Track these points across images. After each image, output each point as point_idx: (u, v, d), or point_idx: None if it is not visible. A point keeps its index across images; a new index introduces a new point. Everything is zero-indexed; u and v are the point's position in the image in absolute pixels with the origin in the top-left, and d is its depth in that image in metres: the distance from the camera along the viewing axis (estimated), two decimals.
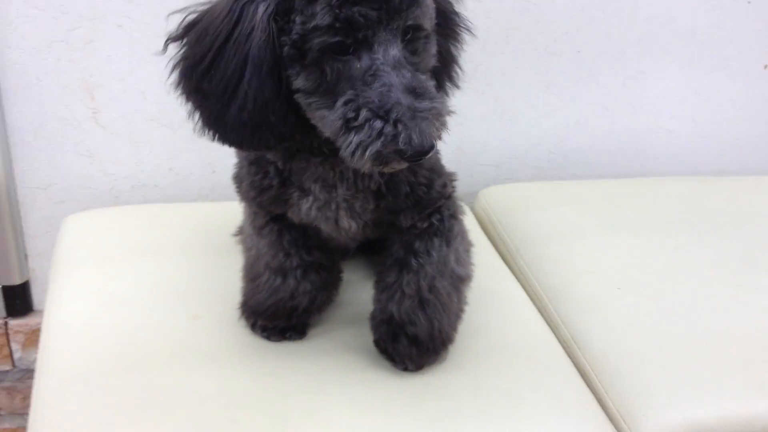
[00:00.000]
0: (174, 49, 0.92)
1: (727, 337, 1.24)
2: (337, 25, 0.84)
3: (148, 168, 1.61)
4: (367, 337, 1.16)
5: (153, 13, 1.47)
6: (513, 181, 1.83)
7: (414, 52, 0.90)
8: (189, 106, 0.94)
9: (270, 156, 1.05)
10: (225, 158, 1.62)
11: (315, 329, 1.21)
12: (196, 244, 1.41)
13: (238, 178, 1.14)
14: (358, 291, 1.28)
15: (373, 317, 1.16)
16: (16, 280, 1.62)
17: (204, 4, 0.93)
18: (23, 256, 1.62)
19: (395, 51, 0.86)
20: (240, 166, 1.13)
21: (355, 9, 0.83)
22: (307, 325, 1.20)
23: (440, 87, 1.01)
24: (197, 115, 0.93)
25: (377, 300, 1.15)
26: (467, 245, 1.18)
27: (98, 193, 1.61)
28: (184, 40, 0.93)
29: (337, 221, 1.08)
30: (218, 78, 0.89)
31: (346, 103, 0.85)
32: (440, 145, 1.73)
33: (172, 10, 1.45)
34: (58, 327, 1.19)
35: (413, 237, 1.11)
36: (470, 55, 1.65)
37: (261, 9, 0.87)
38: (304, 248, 1.16)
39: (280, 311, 1.17)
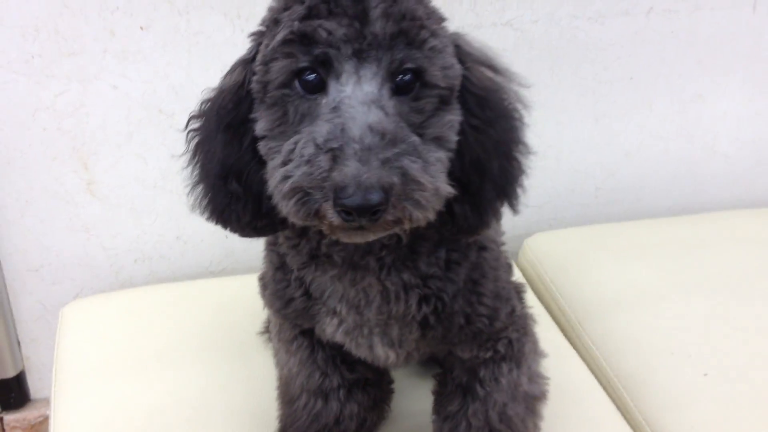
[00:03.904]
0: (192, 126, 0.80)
1: None
2: (290, 37, 0.67)
3: (153, 239, 1.42)
4: None
5: (152, 70, 1.26)
6: (557, 221, 1.65)
7: (419, 111, 0.70)
8: (191, 184, 0.80)
9: (288, 261, 0.87)
10: None
11: None
12: (216, 343, 1.23)
13: (263, 281, 0.96)
14: (411, 400, 1.11)
15: None
16: (10, 373, 1.43)
17: None
18: (16, 346, 1.43)
19: (371, 88, 0.67)
20: (266, 268, 0.94)
21: (317, 22, 0.67)
22: None
23: (475, 206, 0.77)
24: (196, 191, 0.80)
25: (439, 429, 0.99)
26: (540, 357, 1.00)
27: (97, 271, 1.42)
28: (201, 117, 0.79)
29: (371, 348, 0.90)
30: (203, 146, 0.78)
31: (294, 141, 0.67)
32: None
33: (173, 64, 1.27)
34: None
35: (477, 363, 0.93)
36: None
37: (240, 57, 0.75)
38: (345, 365, 0.99)
39: None
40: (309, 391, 0.99)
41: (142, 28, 1.23)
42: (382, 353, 0.89)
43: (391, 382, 1.07)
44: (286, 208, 0.66)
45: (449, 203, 0.74)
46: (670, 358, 1.22)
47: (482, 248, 0.86)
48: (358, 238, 0.70)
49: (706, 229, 1.57)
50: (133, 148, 1.32)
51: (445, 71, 0.71)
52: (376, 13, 0.67)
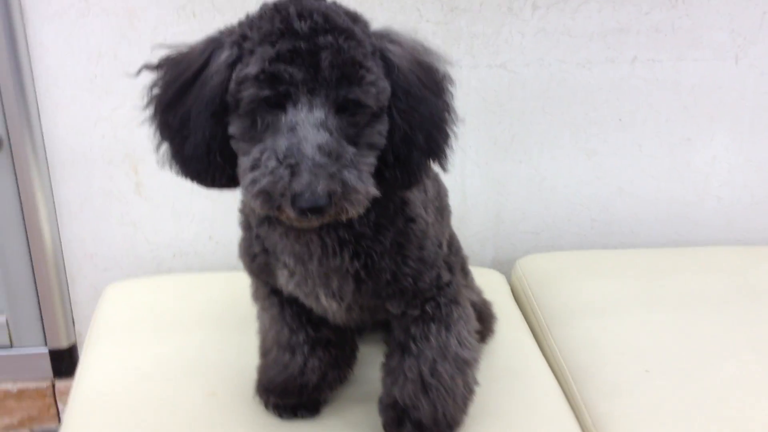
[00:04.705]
0: (148, 78, 0.98)
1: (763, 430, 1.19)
2: (261, 76, 0.88)
3: (189, 237, 1.67)
4: (379, 417, 1.17)
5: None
6: (555, 248, 1.80)
7: (354, 125, 0.90)
8: (157, 137, 0.99)
9: (251, 220, 1.08)
10: None
11: (328, 407, 1.22)
12: (228, 317, 1.44)
13: (239, 244, 1.16)
14: (375, 368, 1.26)
15: (381, 401, 1.16)
16: (63, 344, 1.69)
17: (188, 44, 0.98)
18: (70, 321, 1.69)
19: (320, 114, 0.88)
20: (242, 232, 1.15)
21: (282, 66, 0.87)
22: (319, 403, 1.22)
23: (404, 169, 0.97)
24: (163, 148, 0.99)
25: (383, 383, 1.16)
26: (472, 328, 1.17)
27: (141, 262, 1.67)
28: (160, 73, 0.98)
29: (317, 299, 1.09)
30: (180, 113, 0.95)
31: (260, 150, 0.88)
32: (480, 212, 1.73)
33: None
34: (82, 396, 1.24)
35: (409, 322, 1.11)
36: (506, 126, 1.68)
37: (224, 55, 0.93)
38: (310, 324, 1.17)
39: (290, 388, 1.18)
40: (279, 344, 1.18)
41: None
42: (327, 304, 1.08)
43: (354, 348, 1.25)
44: (254, 203, 0.88)
45: (380, 170, 0.95)
46: (619, 357, 1.36)
47: (410, 219, 1.05)
48: (306, 224, 0.92)
49: (689, 259, 1.70)
50: None
51: (377, 96, 0.91)
52: (325, 63, 0.88)
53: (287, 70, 0.87)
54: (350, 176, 0.86)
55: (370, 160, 0.92)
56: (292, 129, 0.88)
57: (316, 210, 0.84)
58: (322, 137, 0.87)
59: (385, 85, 0.92)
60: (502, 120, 1.67)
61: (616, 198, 1.79)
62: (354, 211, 0.88)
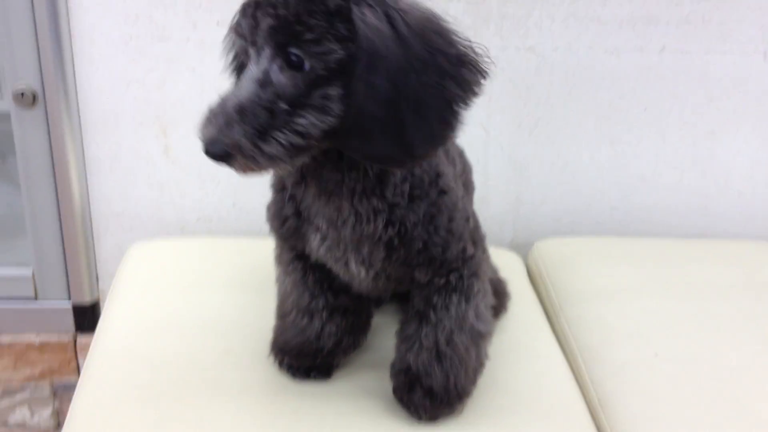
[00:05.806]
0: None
1: (760, 419, 1.21)
2: (230, 29, 0.96)
3: (213, 201, 1.70)
4: (389, 383, 1.19)
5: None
6: (573, 234, 1.82)
7: (302, 85, 0.90)
8: None
9: (285, 181, 1.10)
10: None
11: (340, 371, 1.25)
12: (248, 280, 1.47)
13: (268, 207, 1.18)
14: (388, 337, 1.29)
15: (393, 366, 1.19)
16: (87, 300, 1.74)
17: None
18: (94, 278, 1.74)
19: (261, 66, 0.90)
20: (272, 197, 1.17)
21: (239, 18, 0.93)
22: (332, 367, 1.24)
23: (365, 142, 0.93)
24: None
25: (397, 349, 1.18)
26: (489, 302, 1.20)
27: (166, 224, 1.71)
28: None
29: (347, 264, 1.11)
30: None
31: None
32: (501, 193, 1.75)
33: None
34: (102, 350, 1.28)
35: (432, 291, 1.14)
36: (531, 109, 1.70)
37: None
38: (331, 290, 1.20)
39: (305, 351, 1.21)
40: (298, 308, 1.21)
41: (218, 23, 1.53)
42: (356, 270, 1.10)
43: (370, 316, 1.27)
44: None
45: (343, 140, 0.94)
46: (629, 339, 1.38)
47: (443, 191, 1.07)
48: (241, 171, 0.92)
49: (707, 251, 1.71)
50: None
51: (322, 57, 0.89)
52: (260, 16, 0.90)
53: (240, 23, 0.92)
54: (242, 136, 0.87)
55: (307, 121, 0.89)
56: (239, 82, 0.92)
57: (213, 156, 0.88)
58: (247, 91, 0.89)
59: (332, 47, 0.89)
60: (527, 103, 1.69)
61: (637, 187, 1.80)
62: (257, 168, 0.90)
